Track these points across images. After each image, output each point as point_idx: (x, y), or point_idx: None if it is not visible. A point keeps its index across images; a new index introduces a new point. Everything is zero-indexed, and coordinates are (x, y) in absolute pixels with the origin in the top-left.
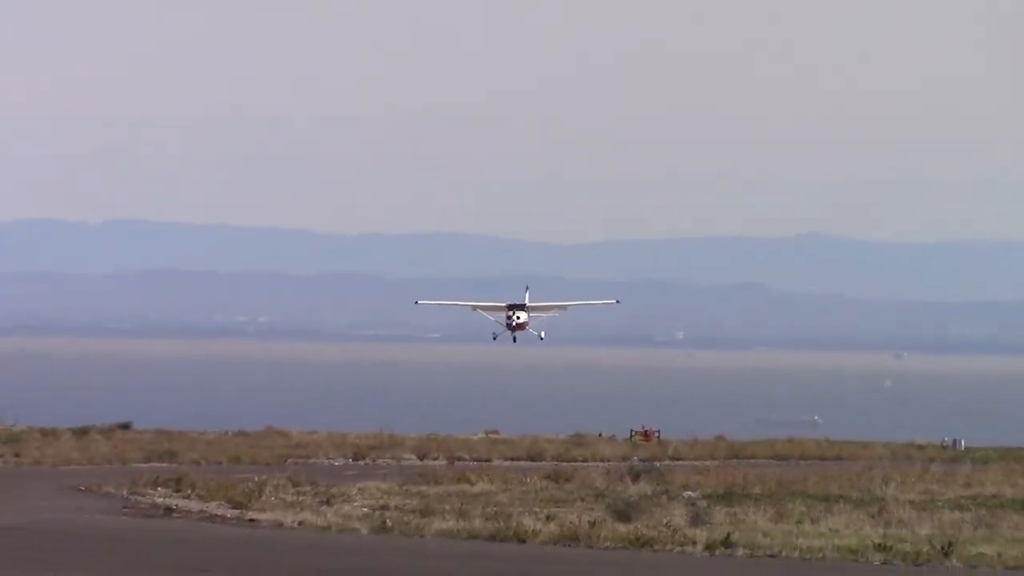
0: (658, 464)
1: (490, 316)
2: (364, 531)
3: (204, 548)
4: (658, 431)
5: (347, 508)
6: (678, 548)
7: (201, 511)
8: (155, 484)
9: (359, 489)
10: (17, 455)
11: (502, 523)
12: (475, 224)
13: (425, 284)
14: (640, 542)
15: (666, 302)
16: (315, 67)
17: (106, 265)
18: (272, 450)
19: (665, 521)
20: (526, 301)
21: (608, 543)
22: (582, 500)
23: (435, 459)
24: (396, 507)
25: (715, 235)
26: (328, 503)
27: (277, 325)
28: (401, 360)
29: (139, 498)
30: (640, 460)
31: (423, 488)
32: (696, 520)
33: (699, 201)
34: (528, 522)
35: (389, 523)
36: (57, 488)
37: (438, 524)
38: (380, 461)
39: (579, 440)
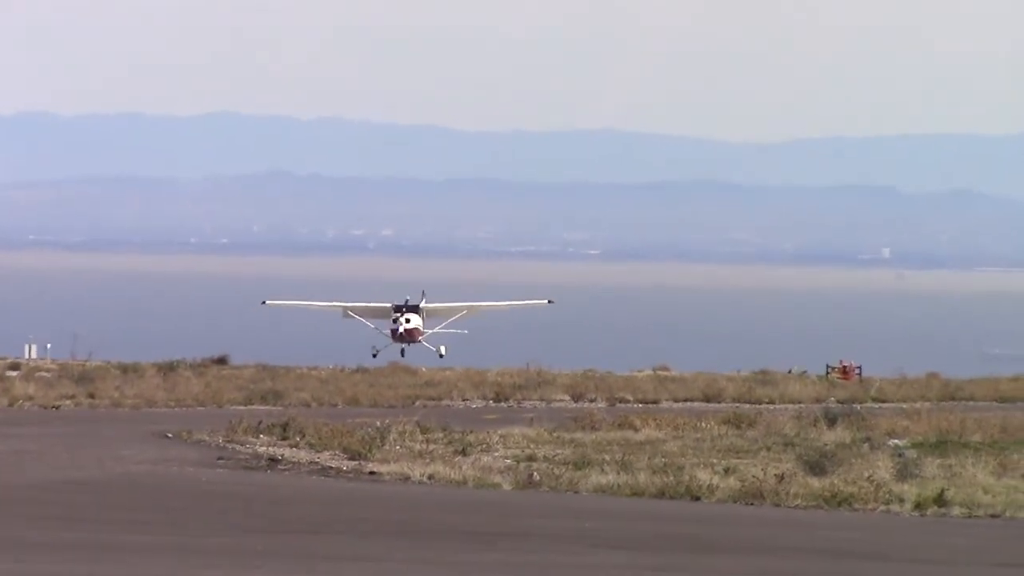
0: (858, 407)
1: (368, 322)
2: (507, 486)
3: (315, 506)
4: (859, 367)
5: (486, 459)
6: (882, 507)
7: (312, 462)
8: (257, 430)
9: (501, 436)
10: (92, 396)
11: (672, 477)
12: (636, 120)
13: (579, 190)
14: (837, 499)
15: (867, 213)
16: None
17: (197, 168)
18: (397, 390)
19: (867, 475)
20: (422, 303)
21: (798, 501)
22: (768, 449)
23: (592, 400)
24: (545, 458)
25: (920, 133)
26: (464, 453)
27: (403, 240)
28: (552, 281)
29: (237, 447)
30: (837, 402)
31: (577, 435)
32: (903, 474)
33: (894, 97)
34: (703, 476)
35: (537, 477)
36: (140, 435)
37: (595, 478)
38: (526, 403)
39: (764, 378)
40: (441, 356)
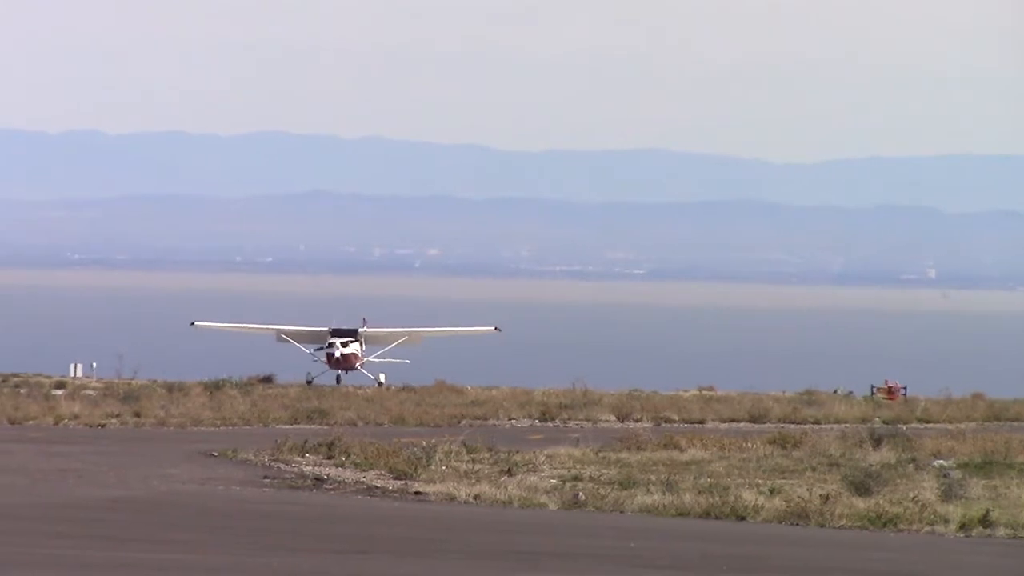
0: (904, 427)
1: (304, 347)
2: (552, 506)
3: (361, 525)
4: (904, 387)
5: (532, 479)
6: (927, 527)
7: (357, 482)
8: (302, 449)
9: (547, 456)
10: (137, 415)
11: (718, 497)
12: (678, 140)
13: (622, 210)
14: (882, 520)
15: (910, 233)
16: None
17: (241, 187)
18: (443, 409)
19: (912, 495)
20: (361, 329)
21: (844, 521)
22: (813, 470)
23: (637, 420)
24: (591, 478)
25: (963, 153)
26: (510, 473)
27: (449, 259)
28: (595, 301)
29: (283, 466)
30: (882, 422)
31: (623, 455)
32: (948, 494)
33: (945, 111)
34: (749, 496)
35: (582, 497)
36: (185, 453)
37: (641, 498)
38: (572, 423)
39: (810, 398)
40: (380, 385)
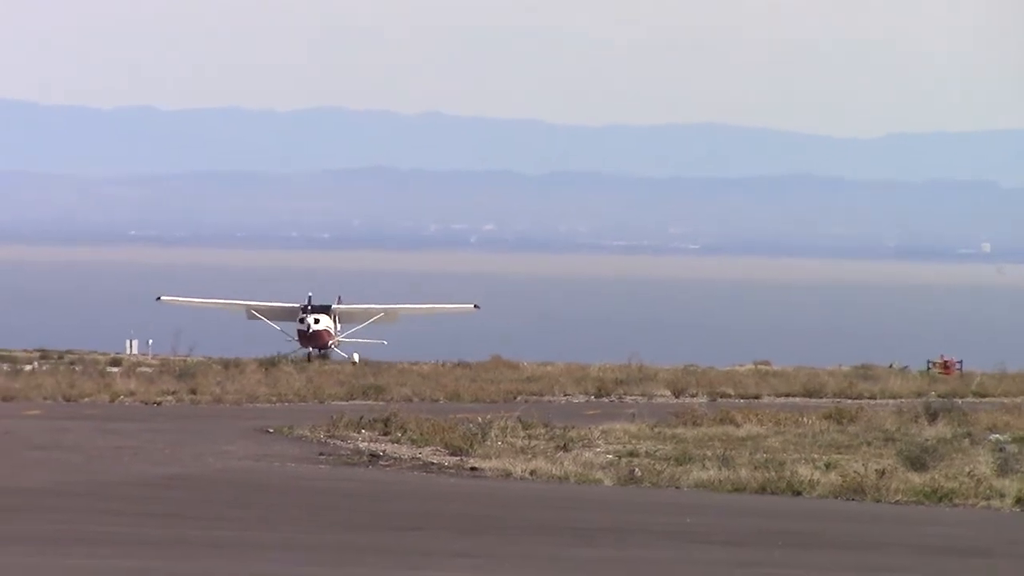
0: (959, 401)
1: (274, 324)
2: (608, 482)
3: (417, 502)
4: (960, 362)
5: (588, 455)
6: (983, 502)
7: (413, 458)
8: (358, 425)
9: (602, 432)
10: (193, 391)
11: (773, 472)
12: (736, 115)
13: (680, 185)
14: (937, 495)
15: (966, 207)
16: None
17: (298, 163)
18: (499, 385)
19: (968, 470)
20: (334, 305)
21: (899, 496)
22: (868, 445)
23: (693, 395)
24: (646, 453)
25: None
26: (565, 448)
27: (505, 234)
28: (652, 276)
29: (339, 442)
30: (938, 396)
31: (679, 430)
32: (1004, 469)
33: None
34: (804, 471)
35: (638, 472)
36: (241, 430)
37: (697, 474)
38: (628, 398)
39: (866, 372)
40: (354, 364)
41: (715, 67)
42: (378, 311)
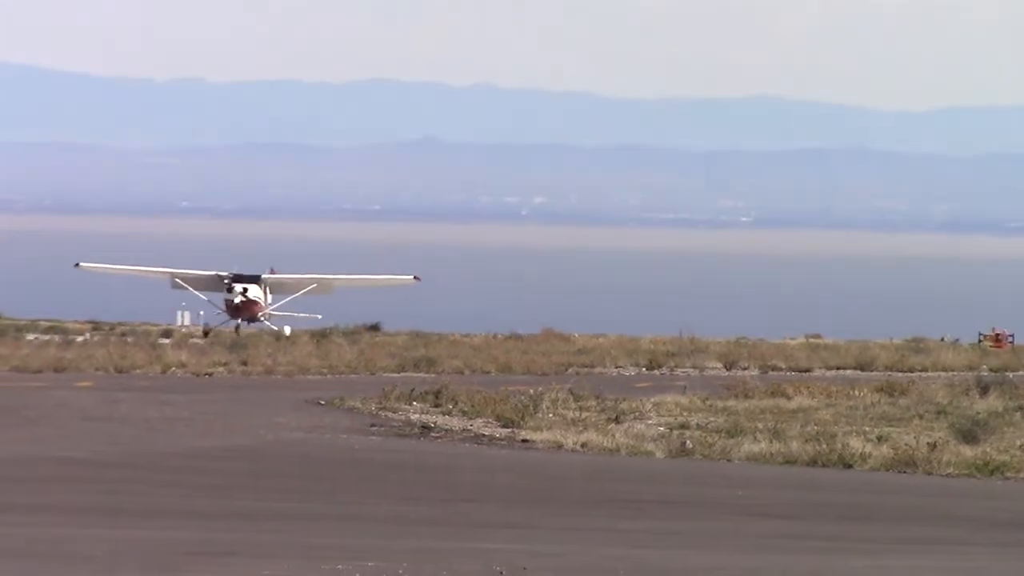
0: (1011, 375)
1: (200, 293)
2: (659, 454)
3: (469, 473)
4: (1011, 335)
5: (639, 427)
6: None
7: (465, 430)
8: (410, 397)
9: (654, 404)
10: (244, 363)
11: (824, 445)
12: (787, 87)
13: (731, 157)
14: (989, 468)
15: (1018, 182)
16: None
17: (350, 135)
18: (550, 357)
19: (1019, 443)
20: (264, 275)
21: (951, 469)
22: (920, 418)
23: (744, 368)
24: (698, 426)
25: None
26: (617, 421)
27: (556, 207)
28: (703, 249)
29: (390, 414)
30: (989, 370)
31: (730, 403)
32: None
33: None
34: (855, 444)
35: (690, 445)
36: (293, 402)
37: (748, 446)
38: (679, 371)
39: (917, 345)
40: (286, 336)
41: (767, 39)
42: (310, 281)
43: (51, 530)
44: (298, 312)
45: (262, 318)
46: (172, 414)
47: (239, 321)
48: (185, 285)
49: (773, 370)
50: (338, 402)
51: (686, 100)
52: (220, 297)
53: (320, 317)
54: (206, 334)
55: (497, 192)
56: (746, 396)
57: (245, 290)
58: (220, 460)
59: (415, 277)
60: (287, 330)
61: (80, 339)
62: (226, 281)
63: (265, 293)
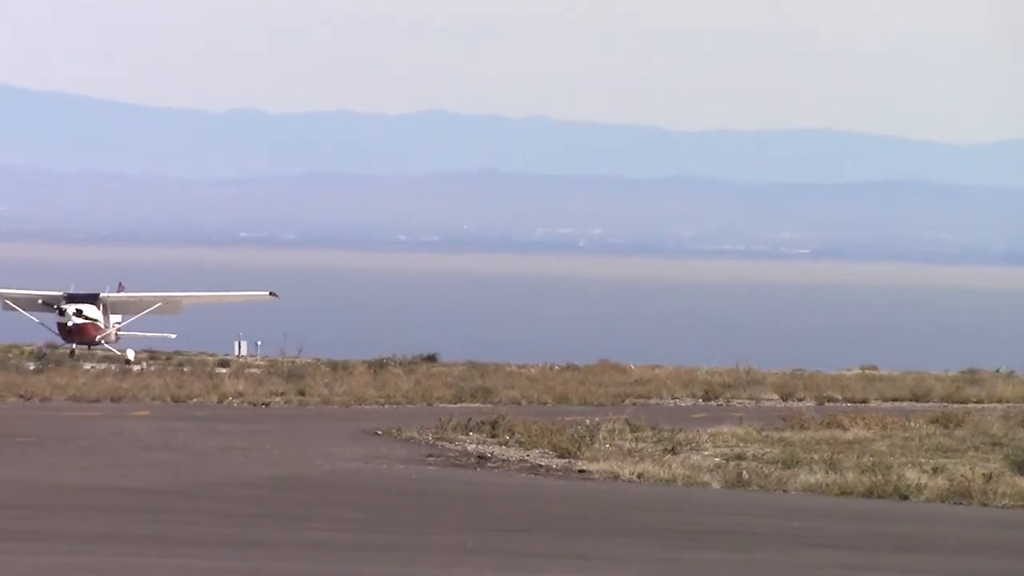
0: None
1: (31, 315)
2: (716, 485)
3: (525, 504)
4: None
5: (695, 457)
6: None
7: (521, 460)
8: (466, 428)
9: (710, 435)
10: (302, 393)
11: (880, 476)
12: (844, 120)
13: (787, 190)
14: None
15: None
16: None
17: (407, 166)
18: (607, 388)
19: None
20: (102, 293)
21: (1006, 500)
22: (975, 449)
23: (800, 399)
24: (754, 456)
25: None
26: (673, 451)
27: (612, 239)
28: (761, 280)
29: (447, 444)
30: None
31: (786, 434)
32: None
33: None
34: (911, 475)
35: (746, 475)
36: (349, 432)
37: (804, 477)
38: (735, 402)
39: (972, 377)
40: (128, 363)
41: (826, 71)
42: (155, 300)
43: (104, 559)
44: (149, 332)
45: (102, 340)
46: (229, 443)
47: (73, 346)
48: (15, 307)
49: (829, 401)
50: (395, 432)
51: (743, 132)
52: (52, 320)
53: (174, 337)
54: (40, 358)
55: (553, 223)
56: (802, 427)
57: (79, 311)
58: (276, 490)
59: (271, 293)
60: (130, 354)
61: (137, 368)
62: (55, 306)
63: (105, 314)
